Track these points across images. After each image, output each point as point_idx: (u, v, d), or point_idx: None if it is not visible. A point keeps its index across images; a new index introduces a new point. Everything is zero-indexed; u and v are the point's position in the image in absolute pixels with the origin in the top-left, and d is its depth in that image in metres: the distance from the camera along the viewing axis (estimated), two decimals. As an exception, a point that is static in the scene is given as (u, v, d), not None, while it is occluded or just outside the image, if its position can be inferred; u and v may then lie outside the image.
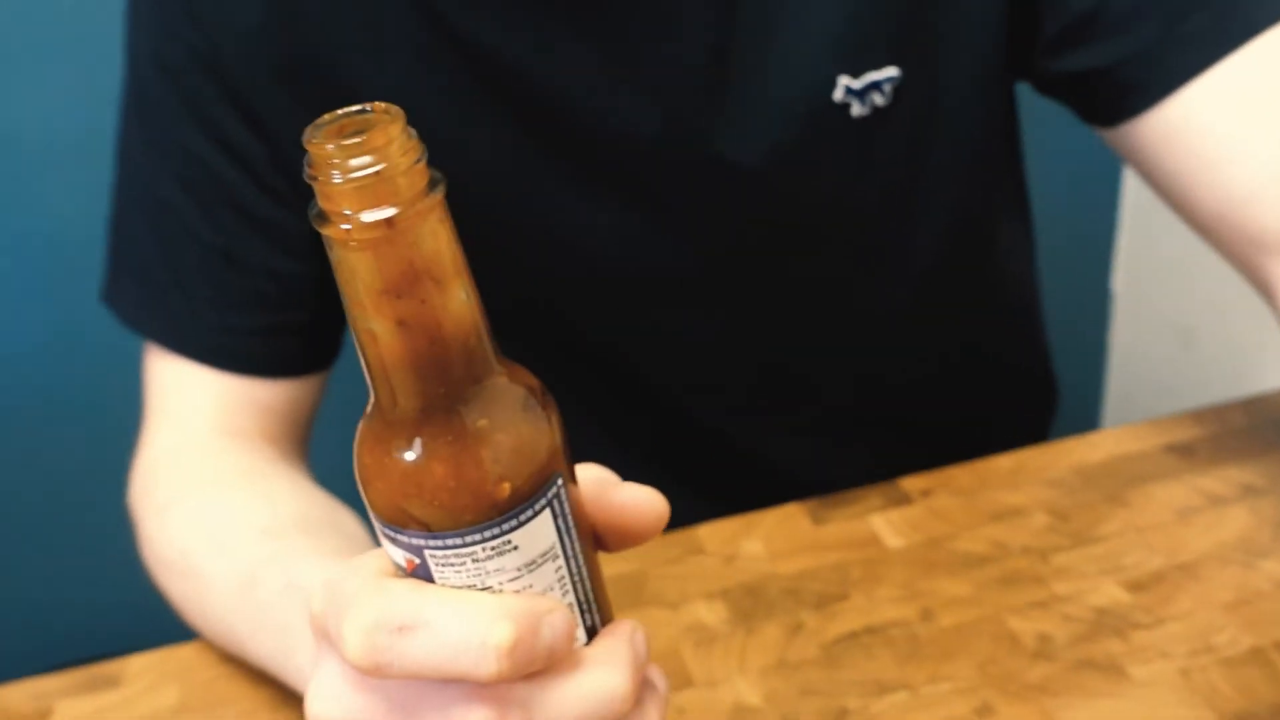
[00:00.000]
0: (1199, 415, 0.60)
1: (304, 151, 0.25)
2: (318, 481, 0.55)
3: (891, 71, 0.52)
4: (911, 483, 0.58)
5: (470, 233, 0.57)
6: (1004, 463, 0.59)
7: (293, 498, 0.50)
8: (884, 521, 0.55)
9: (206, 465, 0.53)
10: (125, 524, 0.55)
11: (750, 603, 0.51)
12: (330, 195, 0.24)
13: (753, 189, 0.54)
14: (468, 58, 0.52)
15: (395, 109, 0.25)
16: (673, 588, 0.52)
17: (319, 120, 0.25)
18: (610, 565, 0.54)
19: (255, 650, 0.46)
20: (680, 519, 0.60)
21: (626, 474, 0.31)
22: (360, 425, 0.28)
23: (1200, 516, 0.54)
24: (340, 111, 0.25)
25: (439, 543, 0.27)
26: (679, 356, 0.60)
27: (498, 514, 0.26)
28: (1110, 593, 0.50)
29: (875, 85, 0.52)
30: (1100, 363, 1.28)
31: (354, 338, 0.26)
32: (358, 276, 0.25)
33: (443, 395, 0.26)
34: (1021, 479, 0.57)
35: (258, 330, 0.56)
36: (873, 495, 0.57)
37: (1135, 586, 0.50)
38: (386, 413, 0.27)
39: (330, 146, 0.24)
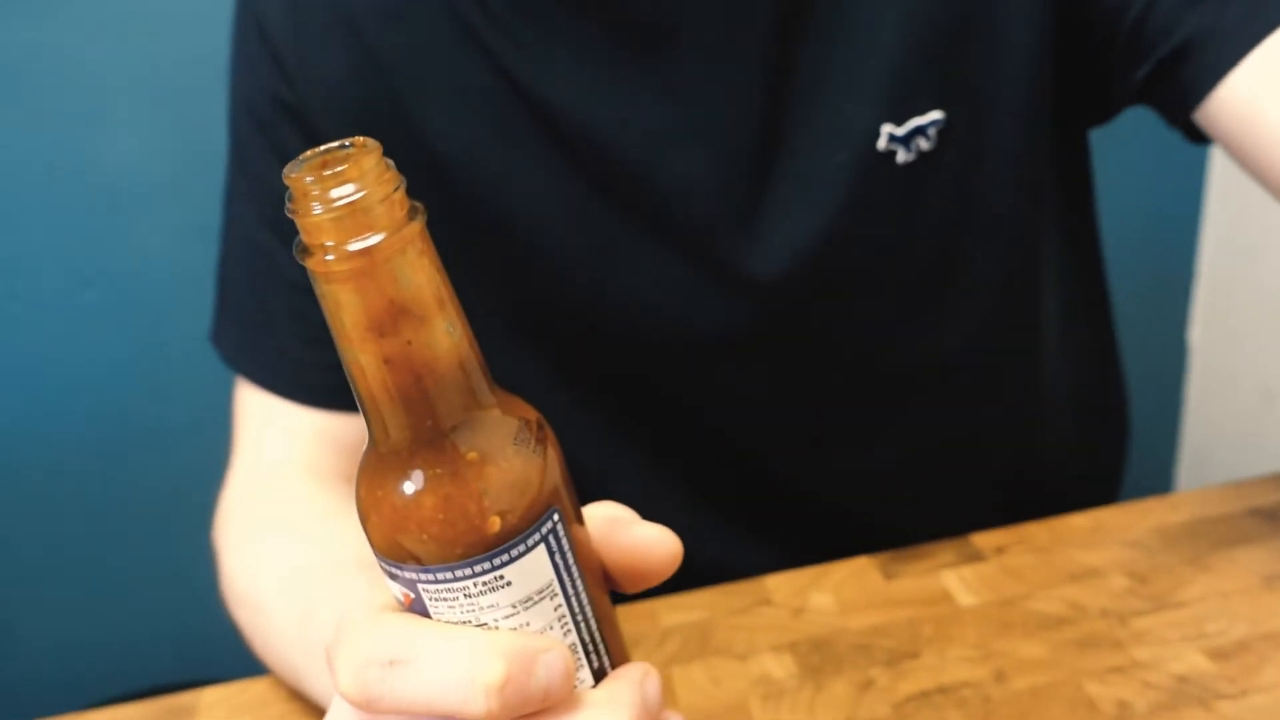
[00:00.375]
0: (1285, 478, 0.58)
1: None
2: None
3: (935, 115, 0.52)
4: (985, 539, 0.57)
5: (531, 284, 0.58)
6: (1081, 521, 0.58)
7: (360, 537, 0.51)
8: (956, 578, 0.55)
9: (283, 503, 0.54)
10: (204, 555, 0.56)
11: (819, 657, 0.51)
12: (311, 228, 0.25)
13: (804, 242, 0.54)
14: (531, 106, 0.53)
15: (372, 142, 0.26)
16: (740, 639, 0.52)
17: (301, 156, 0.26)
18: (676, 614, 0.54)
19: (310, 686, 0.47)
20: (750, 567, 0.59)
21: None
22: (360, 458, 0.28)
23: (1287, 584, 0.52)
24: (322, 148, 0.26)
25: (431, 577, 0.26)
26: (740, 409, 0.60)
27: (487, 549, 0.26)
28: (1192, 660, 0.48)
29: (920, 130, 0.53)
30: (1175, 418, 1.25)
31: (345, 370, 0.27)
32: (342, 309, 0.25)
33: (431, 428, 0.26)
34: (1099, 539, 0.56)
35: (338, 365, 0.57)
36: (945, 550, 0.56)
37: (1218, 655, 0.48)
38: (379, 446, 0.27)
39: (309, 179, 0.25)
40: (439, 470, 0.26)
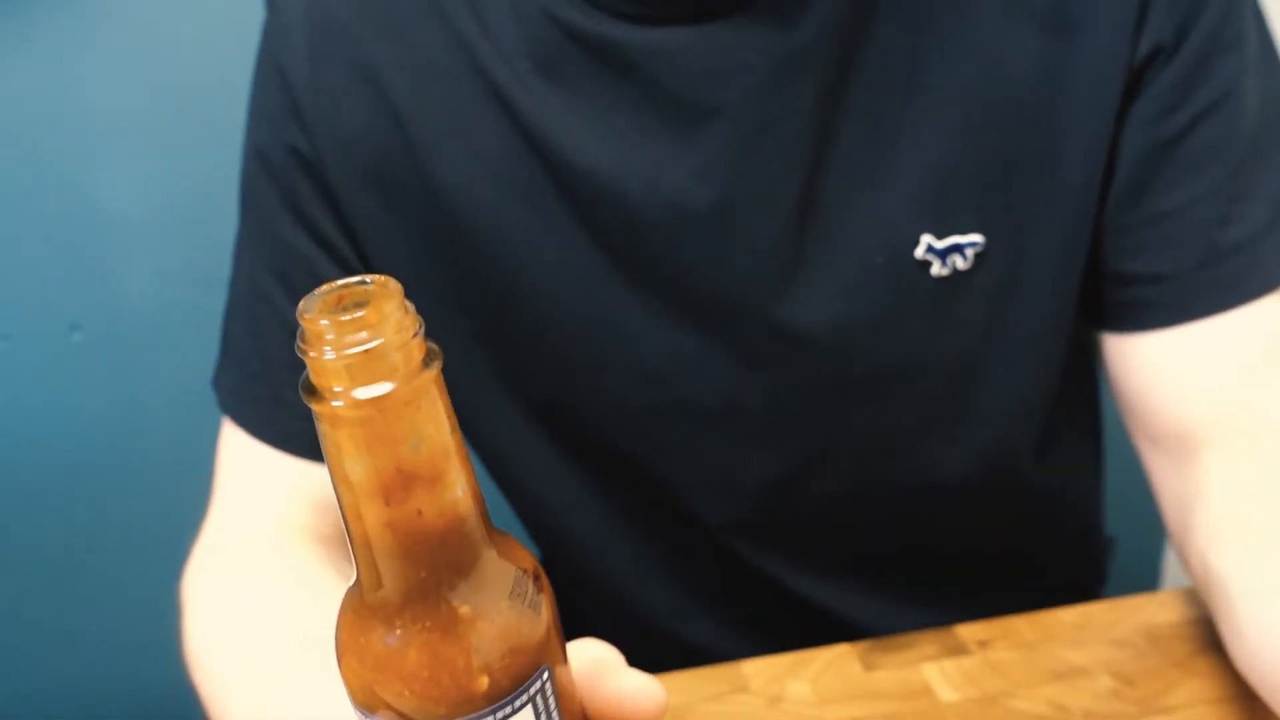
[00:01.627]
0: (1276, 580, 0.57)
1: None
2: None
3: (976, 237, 0.52)
4: (969, 631, 0.56)
5: (536, 349, 0.56)
6: (1067, 616, 0.57)
7: (327, 613, 0.49)
8: (938, 672, 0.53)
9: (257, 565, 0.53)
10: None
11: (794, 750, 0.49)
12: (322, 370, 0.23)
13: (826, 335, 0.53)
14: (553, 169, 0.52)
15: (393, 283, 0.24)
16: (715, 727, 0.51)
17: (315, 291, 0.25)
18: (651, 698, 0.52)
19: None
20: (729, 652, 0.58)
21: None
22: (344, 594, 0.27)
23: (1277, 693, 0.51)
24: (340, 282, 0.25)
25: None
26: (735, 493, 0.59)
27: (473, 709, 0.25)
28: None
29: (958, 248, 0.52)
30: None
31: (339, 509, 0.25)
32: (344, 458, 0.24)
33: (424, 579, 0.25)
34: (1085, 636, 0.55)
35: None
36: (927, 642, 0.55)
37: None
38: (367, 591, 0.26)
39: (324, 322, 0.23)
40: (429, 623, 0.25)
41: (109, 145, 0.97)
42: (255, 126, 0.56)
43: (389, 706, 0.25)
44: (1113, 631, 0.55)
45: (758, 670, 0.54)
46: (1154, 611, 0.57)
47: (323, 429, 0.24)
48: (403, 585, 0.25)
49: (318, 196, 0.55)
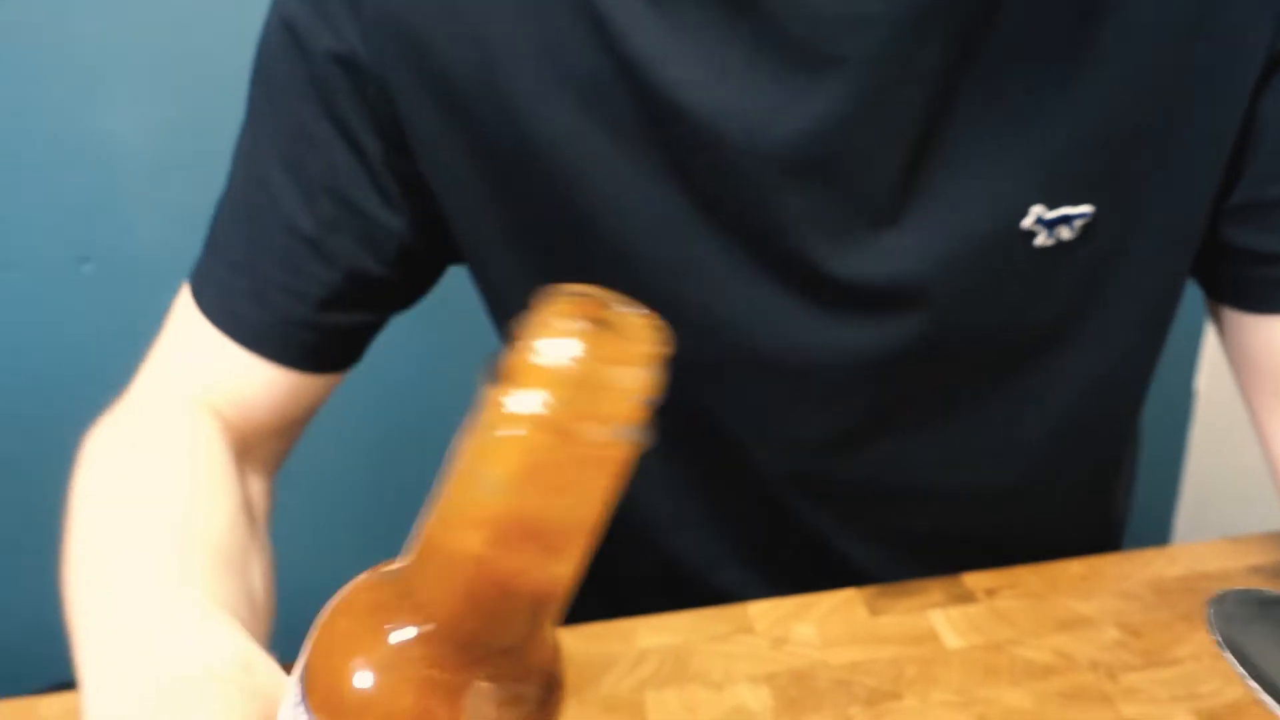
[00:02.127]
0: (1287, 538, 0.57)
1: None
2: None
3: (1085, 209, 0.50)
4: (976, 580, 0.56)
5: (603, 277, 0.53)
6: (1075, 568, 0.56)
7: (220, 525, 0.45)
8: (944, 618, 0.53)
9: (166, 446, 0.49)
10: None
11: (797, 691, 0.49)
12: (535, 373, 0.21)
13: (916, 299, 0.51)
14: (642, 98, 0.48)
15: (666, 336, 0.22)
16: (718, 666, 0.51)
17: (573, 288, 0.22)
18: (654, 636, 0.52)
19: (75, 620, 0.40)
20: (732, 590, 0.58)
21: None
22: (362, 577, 0.24)
23: (1284, 648, 0.50)
24: (606, 295, 0.22)
25: None
26: (795, 448, 0.57)
27: None
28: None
29: (1066, 219, 0.50)
30: (1177, 462, 1.24)
31: (430, 508, 0.23)
32: (498, 467, 0.21)
33: (469, 631, 0.22)
34: (1093, 587, 0.55)
35: (316, 325, 0.54)
36: (934, 589, 0.55)
37: (1210, 718, 0.47)
38: (402, 598, 0.23)
39: (582, 327, 0.21)
40: (445, 676, 0.22)
41: (120, 78, 0.96)
42: (291, 6, 0.51)
43: (338, 714, 0.23)
44: (1121, 584, 0.55)
45: (763, 612, 0.54)
46: (1162, 566, 0.56)
47: (494, 421, 0.21)
48: (443, 623, 0.22)
49: (356, 90, 0.50)
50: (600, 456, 0.22)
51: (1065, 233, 0.50)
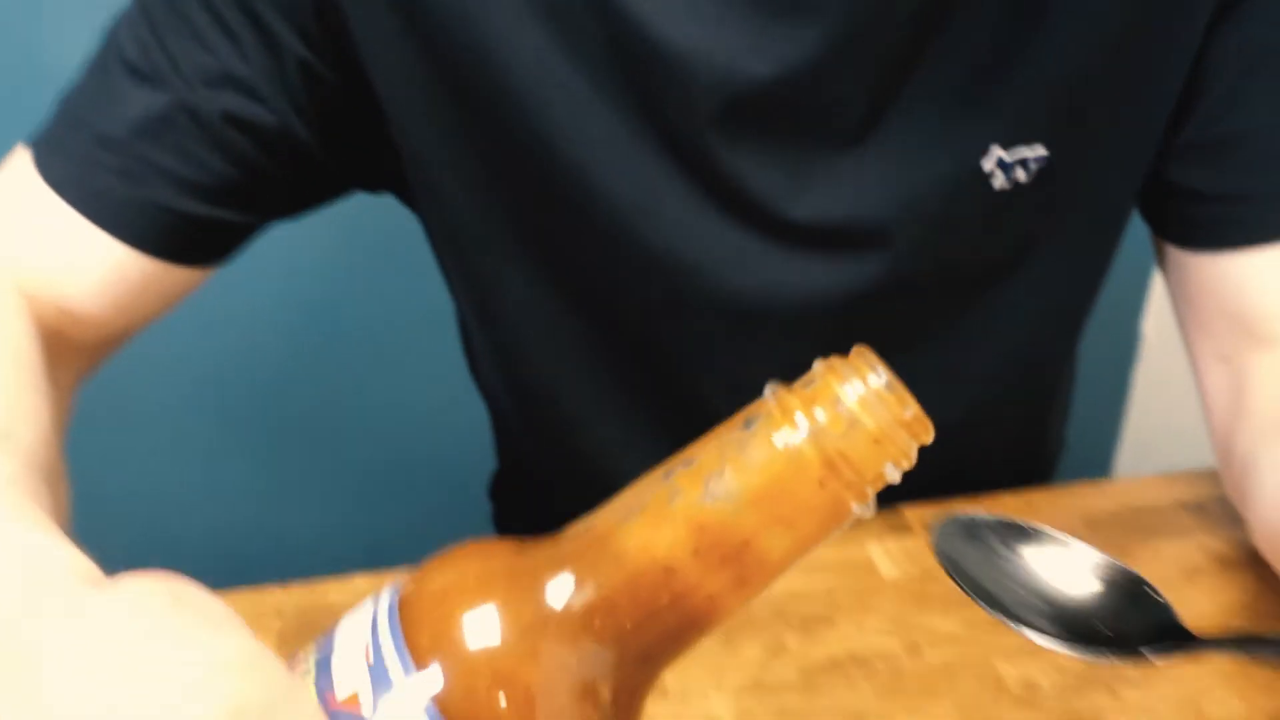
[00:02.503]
0: (1216, 473, 0.58)
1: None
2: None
3: (1041, 151, 0.51)
4: (915, 512, 0.57)
5: (566, 209, 0.53)
6: (1010, 502, 0.58)
7: (38, 437, 0.40)
8: (881, 549, 0.54)
9: None
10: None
11: (732, 618, 0.50)
12: (842, 409, 0.22)
13: (874, 238, 0.52)
14: (613, 26, 0.47)
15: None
16: (658, 593, 0.51)
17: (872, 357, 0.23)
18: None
19: None
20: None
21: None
22: (496, 541, 0.23)
23: (1206, 579, 0.52)
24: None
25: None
26: (751, 388, 0.57)
27: None
28: (1104, 647, 0.48)
29: (1023, 161, 0.51)
30: (1120, 403, 1.26)
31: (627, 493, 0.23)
32: (730, 475, 0.22)
33: (621, 631, 0.22)
34: (1027, 518, 0.56)
35: (188, 214, 0.50)
36: (872, 521, 0.56)
37: (1131, 643, 0.48)
38: (553, 566, 0.22)
39: (891, 390, 0.23)
40: (559, 672, 0.21)
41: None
42: None
43: (436, 670, 0.21)
44: (1054, 518, 0.56)
45: (704, 541, 0.55)
46: (1095, 500, 0.58)
47: (770, 429, 0.22)
48: (593, 606, 0.22)
49: (293, 27, 0.48)
50: (841, 509, 0.22)
51: (1021, 175, 0.51)
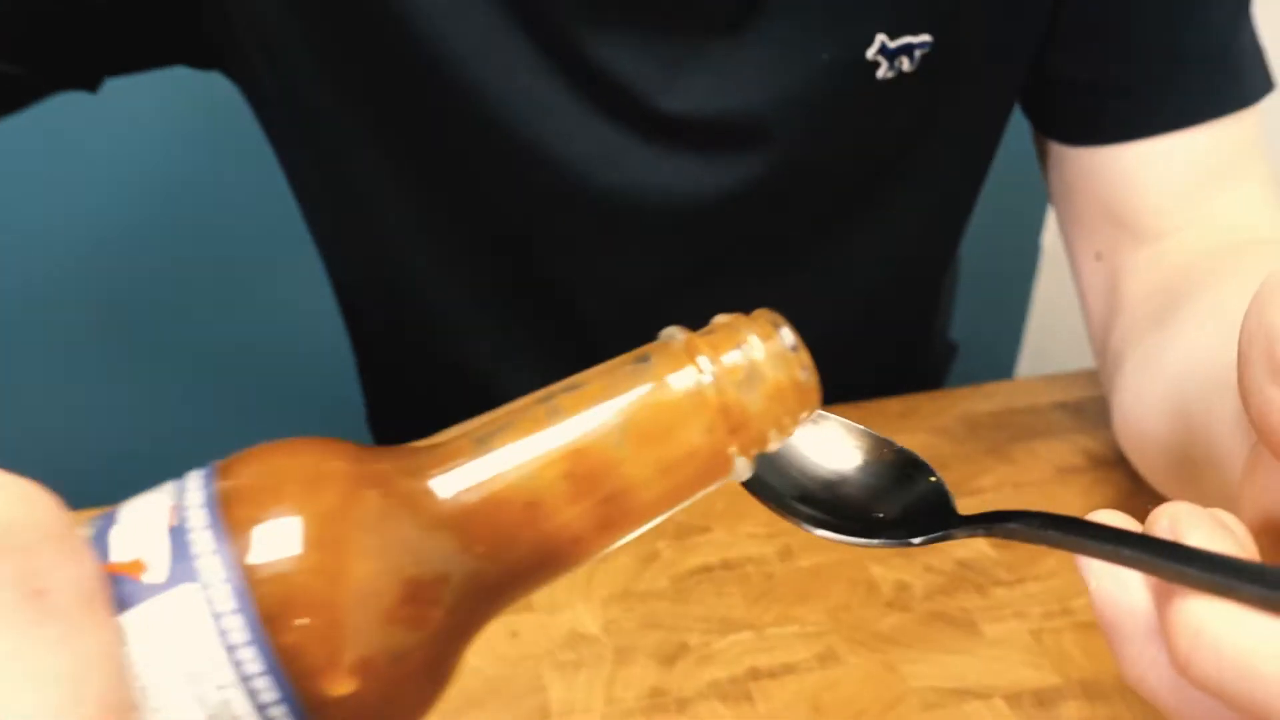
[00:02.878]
0: (1094, 375, 0.58)
1: None
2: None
3: (925, 38, 0.49)
4: (794, 418, 0.56)
5: (440, 109, 0.49)
6: (893, 406, 0.57)
7: None
8: (759, 455, 0.53)
9: None
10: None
11: (607, 527, 0.49)
12: (743, 361, 0.21)
13: (754, 130, 0.50)
14: None
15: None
16: (529, 505, 0.50)
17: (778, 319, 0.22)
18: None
19: None
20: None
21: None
22: (346, 441, 0.21)
23: (1079, 477, 0.52)
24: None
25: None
26: (625, 294, 0.55)
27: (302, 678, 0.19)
28: (975, 546, 0.48)
29: (908, 49, 0.49)
30: (1022, 314, 1.27)
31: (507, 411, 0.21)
32: (618, 409, 0.21)
33: (457, 552, 0.20)
34: (907, 424, 0.55)
35: None
36: (752, 427, 0.55)
37: (1001, 543, 0.48)
38: (405, 477, 0.20)
39: (796, 352, 0.22)
40: (378, 566, 0.19)
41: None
42: None
43: (249, 536, 0.19)
44: (934, 420, 0.56)
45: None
46: (977, 402, 0.57)
47: (665, 370, 0.21)
48: (446, 525, 0.20)
49: None
50: (721, 461, 0.21)
51: (905, 64, 0.49)
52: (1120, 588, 0.22)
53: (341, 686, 0.19)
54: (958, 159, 0.56)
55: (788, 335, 0.22)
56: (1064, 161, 0.54)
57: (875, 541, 0.25)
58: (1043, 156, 0.56)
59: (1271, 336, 0.21)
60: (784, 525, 0.49)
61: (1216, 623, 0.19)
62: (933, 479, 0.26)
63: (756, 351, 0.21)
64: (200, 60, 0.54)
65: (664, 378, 0.21)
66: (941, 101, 0.52)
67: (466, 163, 0.51)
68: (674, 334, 0.22)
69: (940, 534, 0.25)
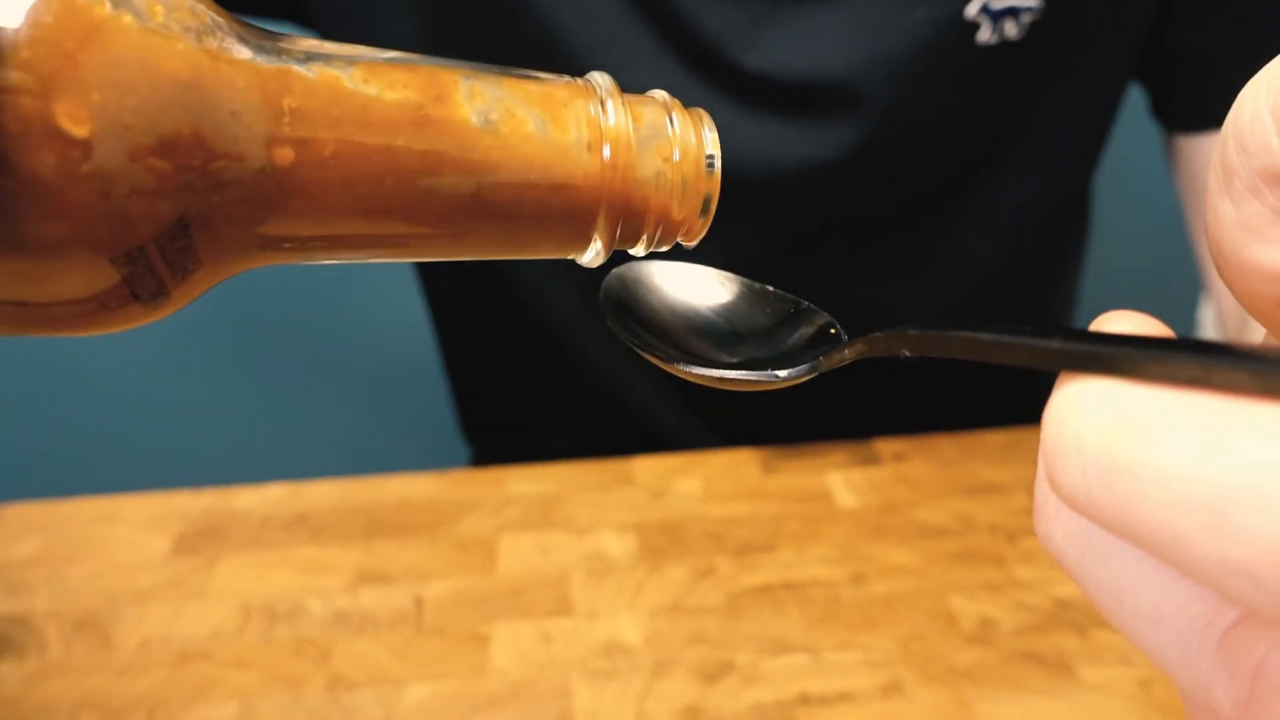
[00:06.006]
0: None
1: None
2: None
3: (1034, 2, 0.45)
4: (886, 444, 0.51)
5: (532, 58, 0.47)
6: (996, 438, 0.52)
7: None
8: (842, 479, 0.49)
9: None
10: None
11: (664, 540, 0.45)
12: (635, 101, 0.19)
13: (848, 97, 0.47)
14: None
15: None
16: (585, 514, 0.47)
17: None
18: (524, 484, 0.49)
19: None
20: (646, 414, 0.53)
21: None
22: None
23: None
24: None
25: None
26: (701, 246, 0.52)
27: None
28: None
29: (1012, 11, 0.45)
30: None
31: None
32: (542, 154, 0.18)
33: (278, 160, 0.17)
34: (1010, 456, 0.50)
35: None
36: (838, 451, 0.51)
37: (1109, 582, 0.42)
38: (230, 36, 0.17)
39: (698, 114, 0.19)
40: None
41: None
42: None
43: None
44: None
45: (648, 466, 0.50)
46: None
47: (575, 101, 0.19)
48: (281, 120, 0.17)
49: None
50: (583, 227, 0.18)
51: (1011, 29, 0.45)
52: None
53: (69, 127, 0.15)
54: (1067, 141, 0.51)
55: (711, 136, 0.19)
56: (1186, 152, 0.49)
57: (733, 375, 0.21)
58: (1172, 155, 0.51)
59: (1225, 141, 0.16)
60: (859, 549, 0.44)
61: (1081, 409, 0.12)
62: (833, 330, 0.22)
63: (675, 126, 0.19)
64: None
65: (563, 91, 0.18)
66: (1048, 74, 0.47)
67: None
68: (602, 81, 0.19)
69: (809, 365, 0.21)
